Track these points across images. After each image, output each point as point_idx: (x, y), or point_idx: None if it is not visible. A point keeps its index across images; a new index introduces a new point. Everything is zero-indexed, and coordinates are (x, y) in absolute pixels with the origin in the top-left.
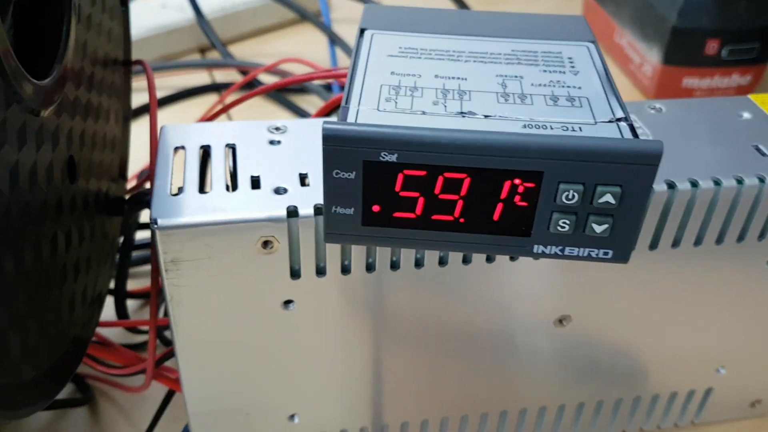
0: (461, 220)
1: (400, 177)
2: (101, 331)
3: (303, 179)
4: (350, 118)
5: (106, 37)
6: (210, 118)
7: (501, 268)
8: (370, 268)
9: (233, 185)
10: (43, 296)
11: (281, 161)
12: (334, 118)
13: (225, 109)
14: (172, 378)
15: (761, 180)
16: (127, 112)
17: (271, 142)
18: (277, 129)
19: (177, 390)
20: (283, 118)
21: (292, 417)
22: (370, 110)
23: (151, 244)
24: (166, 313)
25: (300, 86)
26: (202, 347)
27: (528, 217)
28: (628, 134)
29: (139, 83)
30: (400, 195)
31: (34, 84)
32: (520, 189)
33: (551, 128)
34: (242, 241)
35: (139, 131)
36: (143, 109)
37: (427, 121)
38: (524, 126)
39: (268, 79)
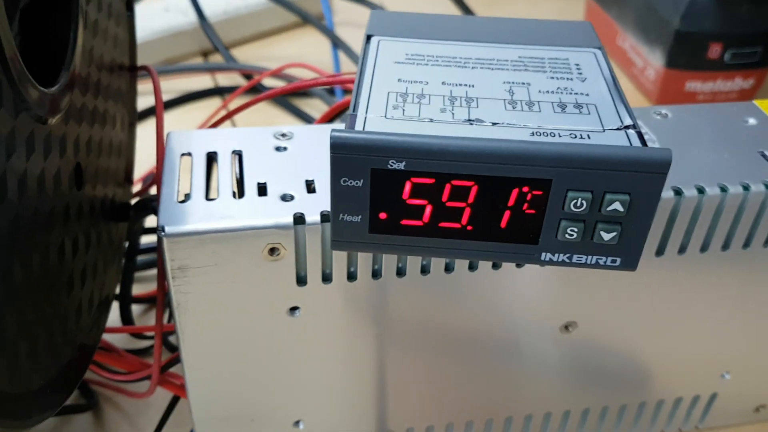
0: (469, 227)
1: (407, 185)
2: (106, 336)
3: (309, 186)
4: (358, 126)
5: (112, 43)
6: (215, 124)
7: (507, 275)
8: (376, 274)
9: (240, 192)
10: (51, 303)
11: (288, 168)
12: (339, 124)
13: (229, 115)
14: (177, 384)
15: (767, 186)
16: (133, 118)
17: (278, 149)
18: (283, 135)
19: (182, 396)
20: (287, 122)
21: (297, 423)
22: (378, 118)
23: (157, 251)
24: (170, 319)
25: (303, 90)
26: (208, 353)
27: (536, 225)
28: (636, 142)
29: (142, 86)
30: (407, 202)
31: (41, 92)
32: (528, 197)
33: (559, 136)
34: (249, 248)
35: (143, 134)
36: (147, 113)
37: (434, 129)
38: (532, 134)
39: (271, 84)
